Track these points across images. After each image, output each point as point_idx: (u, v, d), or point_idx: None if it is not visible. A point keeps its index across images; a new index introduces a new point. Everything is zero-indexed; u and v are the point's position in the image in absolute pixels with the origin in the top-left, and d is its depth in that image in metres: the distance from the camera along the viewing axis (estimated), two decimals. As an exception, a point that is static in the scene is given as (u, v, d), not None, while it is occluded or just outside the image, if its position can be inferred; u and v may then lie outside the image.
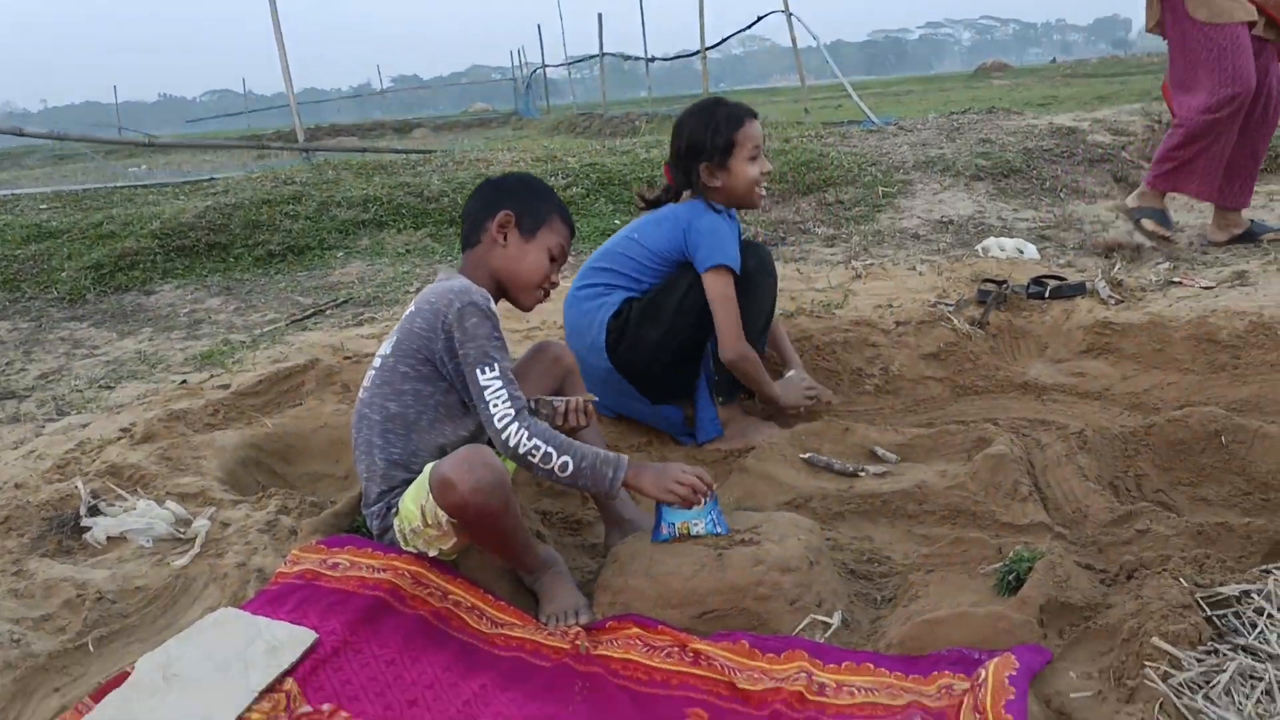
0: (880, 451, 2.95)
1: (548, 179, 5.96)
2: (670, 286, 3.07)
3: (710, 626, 2.10)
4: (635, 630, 2.10)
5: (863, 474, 2.82)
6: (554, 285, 2.47)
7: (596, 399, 2.52)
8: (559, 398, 2.45)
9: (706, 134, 3.03)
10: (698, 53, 15.81)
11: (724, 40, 15.90)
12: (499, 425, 2.13)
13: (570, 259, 3.63)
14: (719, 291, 3.00)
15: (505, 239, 2.38)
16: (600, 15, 20.56)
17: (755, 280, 3.09)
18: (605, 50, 21.99)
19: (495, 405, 2.14)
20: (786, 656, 1.99)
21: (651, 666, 2.01)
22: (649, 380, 3.12)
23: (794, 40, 13.22)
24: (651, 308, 3.07)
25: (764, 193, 3.16)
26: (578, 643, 2.07)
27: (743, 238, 3.14)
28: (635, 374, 3.10)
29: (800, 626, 2.08)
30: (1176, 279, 3.90)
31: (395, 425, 2.28)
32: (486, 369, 2.17)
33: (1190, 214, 5.38)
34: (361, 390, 2.37)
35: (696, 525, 2.23)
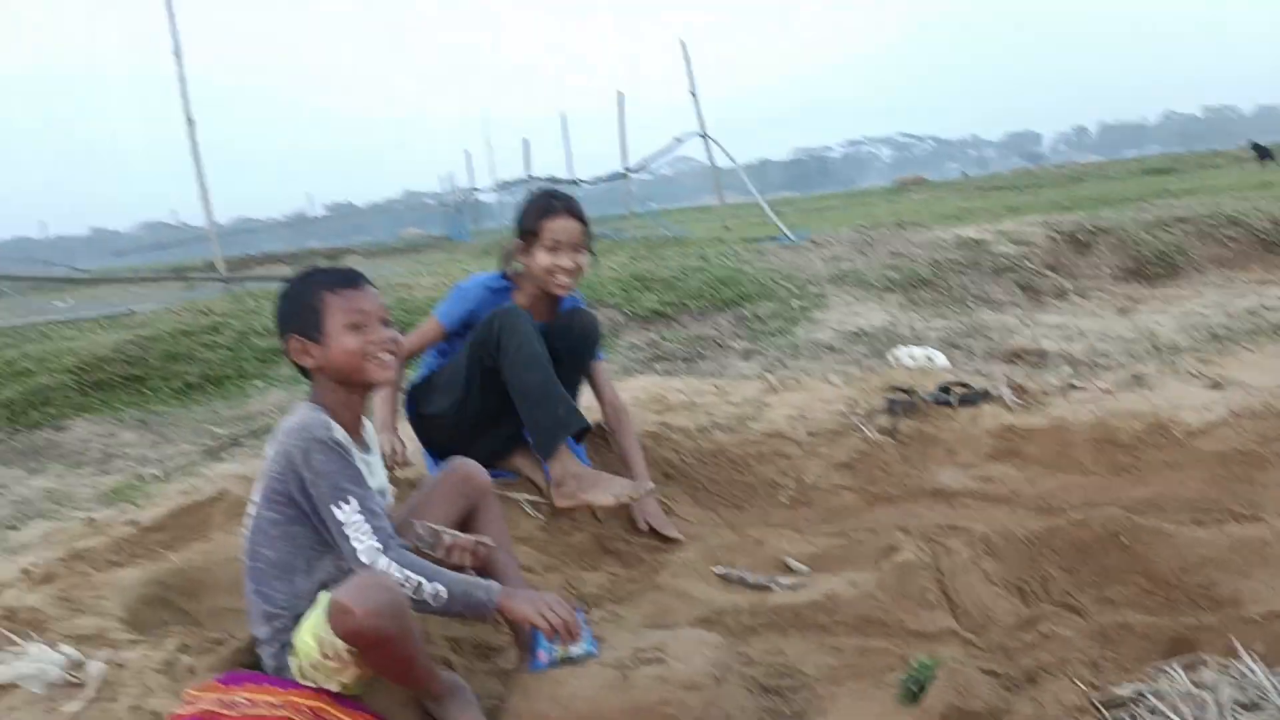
0: (792, 563, 2.96)
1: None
2: (458, 357, 3.25)
3: (616, 749, 2.07)
4: (541, 758, 2.06)
5: (775, 587, 2.83)
6: (384, 340, 2.26)
7: (491, 543, 2.38)
8: (451, 532, 2.33)
9: (520, 216, 3.32)
10: (622, 176, 16.19)
11: (644, 165, 16.32)
12: (365, 561, 2.07)
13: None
14: (418, 328, 3.36)
15: (311, 355, 2.25)
16: (526, 141, 21.19)
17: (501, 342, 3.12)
18: (533, 174, 22.52)
19: (359, 540, 2.08)
20: (692, 778, 1.96)
21: (557, 795, 1.97)
22: (455, 452, 2.90)
23: (712, 161, 13.64)
24: (441, 376, 3.29)
25: (565, 282, 3.25)
26: (482, 774, 2.02)
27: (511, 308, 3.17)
28: (436, 448, 3.31)
29: (706, 746, 2.06)
30: (1077, 383, 4.02)
31: (274, 571, 2.21)
32: (342, 504, 2.10)
33: (1091, 320, 5.58)
34: (242, 539, 2.31)
35: (575, 648, 2.21)
